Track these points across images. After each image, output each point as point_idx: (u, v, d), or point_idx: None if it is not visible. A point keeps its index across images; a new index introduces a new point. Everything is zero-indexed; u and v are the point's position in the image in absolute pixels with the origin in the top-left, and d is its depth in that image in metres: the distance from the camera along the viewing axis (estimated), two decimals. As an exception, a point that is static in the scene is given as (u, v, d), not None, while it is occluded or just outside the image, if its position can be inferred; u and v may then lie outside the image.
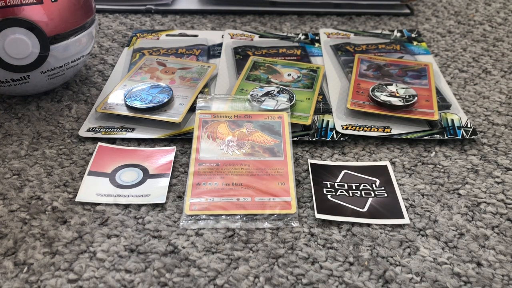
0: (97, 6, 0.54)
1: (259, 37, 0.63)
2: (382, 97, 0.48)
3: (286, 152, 0.42)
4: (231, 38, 0.62)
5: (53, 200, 0.39)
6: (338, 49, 0.60)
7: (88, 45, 0.50)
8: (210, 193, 0.39)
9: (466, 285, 0.32)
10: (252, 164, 0.41)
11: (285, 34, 0.64)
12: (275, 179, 0.40)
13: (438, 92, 0.51)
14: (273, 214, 0.37)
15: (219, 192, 0.39)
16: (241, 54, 0.58)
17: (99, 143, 0.44)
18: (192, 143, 0.43)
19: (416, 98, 0.48)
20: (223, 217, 0.37)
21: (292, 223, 0.37)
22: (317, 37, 0.63)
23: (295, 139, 0.45)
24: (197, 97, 0.49)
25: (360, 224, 0.36)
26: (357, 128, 0.46)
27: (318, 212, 0.37)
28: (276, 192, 0.39)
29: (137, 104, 0.47)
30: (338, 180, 0.41)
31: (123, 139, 0.45)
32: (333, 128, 0.46)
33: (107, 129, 0.46)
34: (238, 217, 0.37)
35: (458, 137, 0.45)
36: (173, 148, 0.44)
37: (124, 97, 0.49)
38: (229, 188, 0.39)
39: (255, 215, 0.37)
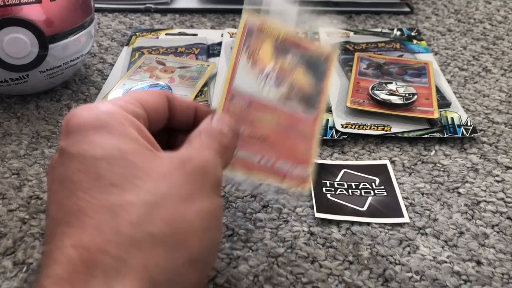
0: (96, 5, 0.54)
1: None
2: (382, 95, 0.48)
3: (320, 108, 0.34)
4: (231, 37, 0.62)
5: (52, 199, 0.38)
6: (338, 48, 0.60)
7: (87, 44, 0.50)
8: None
9: (466, 284, 0.32)
10: (284, 116, 0.34)
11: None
12: (302, 142, 0.34)
13: (438, 90, 0.51)
14: (290, 186, 0.33)
15: (245, 143, 0.33)
16: (240, 53, 0.58)
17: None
18: (230, 59, 0.34)
19: (416, 96, 0.48)
20: (239, 175, 0.33)
21: (293, 202, 0.36)
22: (316, 36, 0.63)
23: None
24: (196, 96, 0.48)
25: (360, 223, 0.36)
26: (357, 126, 0.46)
27: (317, 211, 0.37)
28: (300, 159, 0.33)
29: (137, 103, 0.47)
30: (337, 179, 0.41)
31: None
32: (333, 127, 0.46)
33: (106, 128, 0.46)
34: (256, 181, 0.34)
35: (458, 136, 0.45)
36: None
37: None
38: (255, 140, 0.33)
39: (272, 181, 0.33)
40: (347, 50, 0.59)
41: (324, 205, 0.38)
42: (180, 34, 0.63)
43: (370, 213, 0.37)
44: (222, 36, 0.62)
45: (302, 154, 0.34)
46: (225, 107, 0.33)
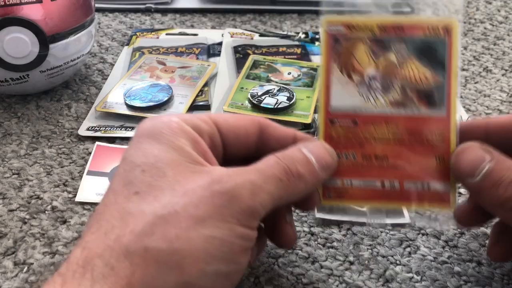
0: (96, 5, 0.54)
1: (259, 35, 0.63)
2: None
3: (450, 102, 0.28)
4: (231, 37, 0.62)
5: (53, 199, 0.38)
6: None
7: (87, 44, 0.50)
8: (347, 173, 0.29)
9: (467, 284, 0.32)
10: (402, 123, 0.28)
11: (285, 32, 0.64)
12: (432, 151, 0.28)
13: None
14: (426, 209, 0.29)
15: (358, 170, 0.29)
16: (241, 53, 0.58)
17: (97, 143, 0.44)
18: (319, 81, 0.30)
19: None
20: (364, 209, 0.29)
21: (444, 226, 0.31)
22: (317, 36, 0.62)
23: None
24: (197, 95, 0.48)
25: (361, 223, 0.36)
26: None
27: (318, 212, 0.37)
28: (432, 174, 0.28)
29: (137, 103, 0.47)
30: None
31: (122, 138, 0.45)
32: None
33: (106, 128, 0.46)
34: (383, 212, 0.30)
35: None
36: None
37: (124, 96, 0.48)
38: (371, 163, 0.28)
39: (404, 209, 0.30)
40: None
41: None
42: (180, 34, 0.63)
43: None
44: (222, 36, 0.62)
45: (435, 165, 0.28)
46: (326, 135, 0.29)
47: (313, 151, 0.28)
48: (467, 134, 0.29)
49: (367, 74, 0.29)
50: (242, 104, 0.48)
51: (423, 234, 0.36)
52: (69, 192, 0.39)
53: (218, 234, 0.23)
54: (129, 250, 0.22)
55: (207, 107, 0.49)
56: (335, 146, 0.29)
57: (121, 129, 0.46)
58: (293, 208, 0.33)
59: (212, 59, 0.57)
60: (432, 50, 0.29)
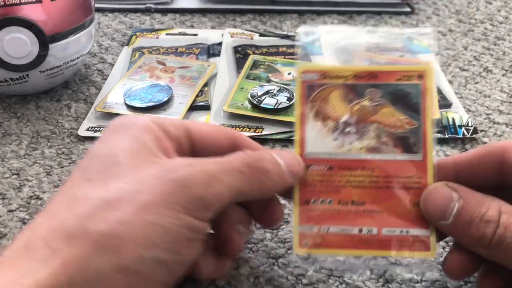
0: (96, 5, 0.54)
1: (259, 36, 0.62)
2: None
3: (427, 146, 0.28)
4: (231, 37, 0.62)
5: (52, 200, 0.38)
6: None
7: (87, 44, 0.50)
8: (323, 219, 0.28)
9: (467, 285, 0.32)
10: (378, 168, 0.28)
11: (285, 32, 0.64)
12: (409, 195, 0.28)
13: (439, 90, 0.51)
14: (406, 258, 0.28)
15: (335, 216, 0.28)
16: (241, 53, 0.58)
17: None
18: (295, 128, 0.30)
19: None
20: (341, 258, 0.28)
21: (429, 271, 0.30)
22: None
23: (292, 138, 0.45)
24: (197, 96, 0.48)
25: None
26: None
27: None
28: (410, 220, 0.28)
29: (137, 103, 0.47)
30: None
31: (122, 139, 0.45)
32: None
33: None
34: (361, 260, 0.29)
35: (459, 136, 0.45)
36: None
37: (124, 96, 0.48)
38: (347, 209, 0.28)
39: (383, 257, 0.29)
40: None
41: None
42: (180, 34, 0.63)
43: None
44: (222, 36, 0.62)
45: (413, 211, 0.28)
46: (301, 180, 0.29)
47: (282, 156, 0.29)
48: (438, 174, 0.29)
49: (342, 120, 0.29)
50: (242, 104, 0.48)
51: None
52: (69, 193, 0.39)
53: (161, 221, 0.23)
54: (70, 232, 0.22)
55: (207, 107, 0.49)
56: (311, 191, 0.29)
57: (121, 129, 0.45)
58: (292, 210, 0.31)
59: (212, 59, 0.57)
60: (406, 95, 0.29)
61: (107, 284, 0.22)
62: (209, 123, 0.47)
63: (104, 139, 0.27)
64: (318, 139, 0.29)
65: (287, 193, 0.30)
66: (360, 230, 0.28)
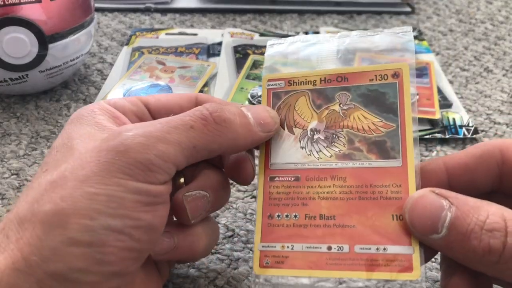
0: (96, 5, 0.53)
1: (259, 35, 0.62)
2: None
3: (406, 150, 0.25)
4: (231, 36, 0.62)
5: (52, 200, 0.38)
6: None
7: (87, 44, 0.50)
8: (287, 235, 0.25)
9: None
10: (351, 177, 0.25)
11: (285, 32, 0.63)
12: (388, 207, 0.24)
13: (440, 90, 0.51)
14: (384, 280, 0.23)
15: (300, 232, 0.25)
16: (241, 53, 0.58)
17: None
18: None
19: None
20: (305, 281, 0.24)
21: None
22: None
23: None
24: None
25: None
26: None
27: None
28: (389, 235, 0.24)
29: (136, 103, 0.47)
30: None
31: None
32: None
33: (106, 129, 0.45)
34: (330, 283, 0.24)
35: (459, 136, 0.45)
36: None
37: (123, 96, 0.48)
38: (315, 224, 0.25)
39: (355, 280, 0.24)
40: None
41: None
42: (180, 33, 0.63)
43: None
44: (222, 36, 0.62)
45: (392, 225, 0.24)
46: (265, 193, 0.26)
47: (251, 109, 0.27)
48: (427, 180, 0.25)
49: (309, 127, 0.27)
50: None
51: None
52: (68, 193, 0.39)
53: (102, 191, 0.23)
54: (21, 218, 0.23)
55: (207, 107, 0.49)
56: (275, 205, 0.26)
57: (120, 129, 0.45)
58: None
59: (212, 59, 0.57)
60: (381, 96, 0.26)
61: (63, 259, 0.22)
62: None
63: (62, 132, 0.27)
64: (283, 149, 0.27)
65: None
66: (329, 248, 0.24)
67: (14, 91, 0.49)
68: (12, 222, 0.23)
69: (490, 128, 0.47)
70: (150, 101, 0.30)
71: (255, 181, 0.30)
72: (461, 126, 0.46)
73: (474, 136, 0.45)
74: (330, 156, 0.26)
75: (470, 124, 0.46)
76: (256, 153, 0.30)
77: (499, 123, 0.47)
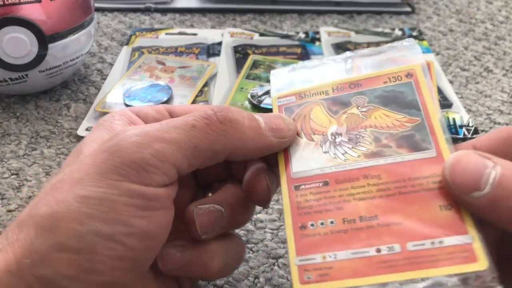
0: (95, 5, 0.53)
1: (259, 35, 0.62)
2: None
3: (438, 140, 0.24)
4: (231, 36, 0.62)
5: (52, 200, 0.38)
6: (339, 47, 0.59)
7: (86, 43, 0.50)
8: (327, 244, 0.23)
9: (468, 286, 0.32)
10: (385, 173, 0.24)
11: (285, 32, 0.63)
12: (433, 198, 0.23)
13: (440, 90, 0.51)
14: (447, 276, 0.21)
15: (341, 238, 0.23)
16: (241, 53, 0.58)
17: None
18: (278, 152, 0.27)
19: None
20: None
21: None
22: (317, 36, 0.62)
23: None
24: (196, 96, 0.48)
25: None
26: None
27: None
28: (441, 227, 0.22)
29: (136, 103, 0.47)
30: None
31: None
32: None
33: (106, 129, 0.45)
34: None
35: (459, 136, 0.45)
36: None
37: (123, 96, 0.48)
38: (356, 228, 0.23)
39: (415, 280, 0.21)
40: (348, 50, 0.59)
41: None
42: (180, 33, 0.63)
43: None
44: (222, 35, 0.62)
45: (442, 215, 0.22)
46: (292, 204, 0.25)
47: (263, 115, 0.26)
48: None
49: (329, 131, 0.26)
50: (242, 104, 0.48)
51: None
52: (68, 193, 0.39)
53: (93, 194, 0.22)
54: (21, 221, 0.23)
55: (207, 107, 0.49)
56: (306, 214, 0.24)
57: (120, 129, 0.45)
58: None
59: (212, 59, 0.57)
60: (399, 95, 0.26)
61: (51, 264, 0.21)
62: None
63: (84, 138, 0.27)
64: (305, 156, 0.26)
65: None
66: (378, 250, 0.22)
67: (14, 91, 0.49)
68: (14, 225, 0.23)
69: (491, 128, 0.47)
70: (175, 109, 0.29)
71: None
72: (461, 126, 0.46)
73: (474, 136, 0.45)
74: (358, 156, 0.25)
75: (470, 124, 0.46)
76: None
77: (499, 123, 0.47)
